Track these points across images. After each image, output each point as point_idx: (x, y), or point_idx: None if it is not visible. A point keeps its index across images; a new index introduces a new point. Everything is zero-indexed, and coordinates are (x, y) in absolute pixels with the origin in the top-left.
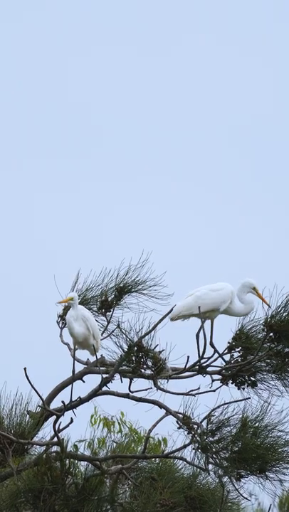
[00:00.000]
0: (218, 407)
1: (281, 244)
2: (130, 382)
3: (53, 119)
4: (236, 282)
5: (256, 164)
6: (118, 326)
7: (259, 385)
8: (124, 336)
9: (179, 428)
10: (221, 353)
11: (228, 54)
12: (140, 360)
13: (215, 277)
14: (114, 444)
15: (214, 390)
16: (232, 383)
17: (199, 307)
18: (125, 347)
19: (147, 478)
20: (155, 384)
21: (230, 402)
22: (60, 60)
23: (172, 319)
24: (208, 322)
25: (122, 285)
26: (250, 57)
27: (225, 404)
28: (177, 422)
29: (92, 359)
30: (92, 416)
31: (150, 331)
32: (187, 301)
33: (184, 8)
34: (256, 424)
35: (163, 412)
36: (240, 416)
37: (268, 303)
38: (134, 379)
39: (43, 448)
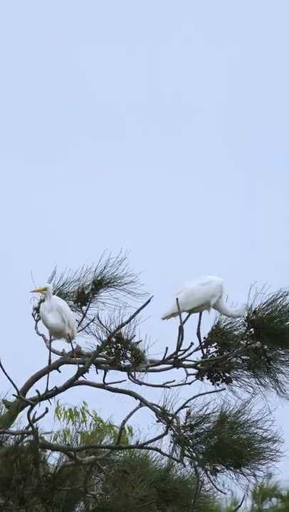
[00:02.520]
0: (194, 397)
1: (269, 233)
2: (105, 373)
3: (50, 114)
4: (225, 273)
5: (243, 153)
6: (97, 317)
7: (234, 381)
8: (104, 328)
9: (158, 421)
10: (199, 346)
11: (222, 49)
12: (119, 351)
13: (204, 268)
14: (79, 435)
15: (190, 383)
16: (207, 378)
17: (180, 308)
18: (105, 339)
19: (120, 471)
20: (131, 376)
21: (204, 393)
22: (62, 49)
23: (164, 318)
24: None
25: (99, 278)
26: (228, 49)
27: (199, 395)
28: (156, 415)
29: (68, 349)
30: (56, 409)
31: (128, 321)
32: (179, 298)
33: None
34: (234, 420)
35: (134, 404)
36: (219, 412)
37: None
38: (109, 371)
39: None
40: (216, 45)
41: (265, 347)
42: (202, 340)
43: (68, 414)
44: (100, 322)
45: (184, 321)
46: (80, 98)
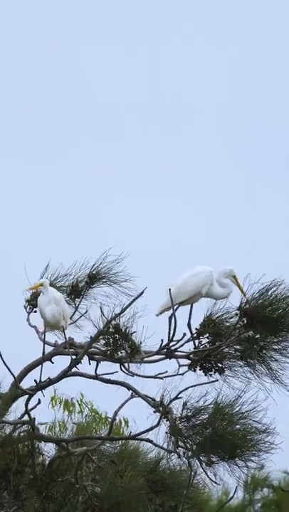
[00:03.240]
0: (186, 389)
1: (269, 233)
2: (97, 364)
3: (50, 114)
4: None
5: (243, 153)
6: (86, 311)
7: (227, 371)
8: (98, 320)
9: (155, 412)
10: (188, 338)
11: (222, 49)
12: (117, 342)
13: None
14: (75, 426)
15: (182, 374)
16: (200, 369)
17: (173, 301)
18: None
19: (108, 462)
20: (124, 367)
21: (197, 385)
22: (62, 49)
23: (158, 314)
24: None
25: (94, 272)
26: (229, 49)
27: (192, 386)
28: (153, 406)
29: (61, 341)
30: (52, 398)
31: (121, 312)
32: (171, 293)
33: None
34: (228, 411)
35: (127, 394)
36: (214, 403)
37: (245, 293)
38: (101, 362)
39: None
40: (216, 45)
41: (258, 336)
42: (194, 331)
43: (64, 404)
44: (102, 311)
45: (175, 311)
46: (80, 98)
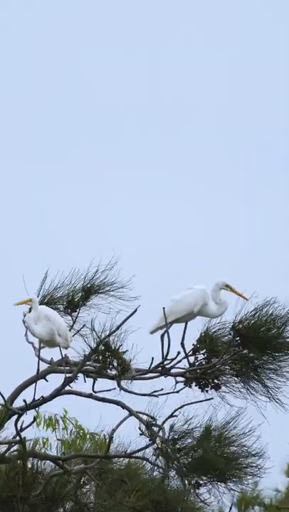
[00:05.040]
0: (181, 406)
1: (269, 233)
2: (94, 382)
3: (50, 114)
4: (225, 273)
5: (243, 153)
6: (84, 325)
7: (223, 387)
8: (95, 335)
9: (141, 434)
10: (185, 356)
11: (222, 49)
12: (106, 360)
13: (203, 268)
14: (59, 442)
15: (178, 392)
16: (195, 385)
17: (166, 319)
18: (94, 346)
19: (114, 480)
20: (119, 384)
21: (192, 403)
22: (62, 49)
23: (152, 332)
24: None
25: (89, 285)
26: (229, 49)
27: (187, 404)
28: (139, 428)
29: (57, 358)
30: (36, 417)
31: (115, 330)
32: (162, 313)
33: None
34: (219, 434)
35: (120, 412)
36: (204, 425)
37: (245, 297)
38: (98, 379)
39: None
40: (216, 45)
41: (252, 355)
42: (190, 347)
43: (48, 422)
44: (92, 328)
45: (168, 330)
46: (79, 98)
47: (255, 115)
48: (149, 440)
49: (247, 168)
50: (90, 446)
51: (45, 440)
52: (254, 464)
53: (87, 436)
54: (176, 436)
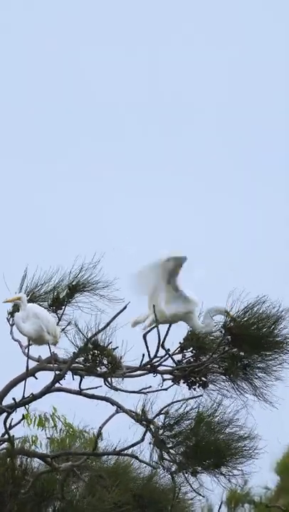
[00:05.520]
0: (171, 403)
1: (269, 233)
2: (81, 379)
3: (50, 114)
4: (225, 273)
5: (243, 153)
6: (70, 323)
7: (210, 385)
8: (81, 334)
9: (137, 421)
10: (172, 352)
11: (222, 49)
12: (96, 358)
13: (203, 268)
14: (49, 441)
15: (166, 389)
16: (183, 383)
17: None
18: (81, 345)
19: (96, 476)
20: (108, 382)
21: (182, 400)
22: (62, 49)
23: (133, 326)
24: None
25: (74, 283)
26: (229, 48)
27: (177, 401)
28: (134, 418)
29: (45, 356)
30: (26, 415)
31: (104, 328)
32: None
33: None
34: (211, 419)
35: (109, 409)
36: (197, 411)
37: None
38: (86, 377)
39: None
40: (216, 45)
41: (242, 353)
42: (179, 344)
43: (38, 420)
44: (77, 327)
45: (149, 331)
46: (79, 98)
47: (255, 115)
48: (144, 431)
49: (247, 168)
50: (80, 445)
51: (34, 438)
52: (247, 447)
53: (77, 435)
54: (171, 422)
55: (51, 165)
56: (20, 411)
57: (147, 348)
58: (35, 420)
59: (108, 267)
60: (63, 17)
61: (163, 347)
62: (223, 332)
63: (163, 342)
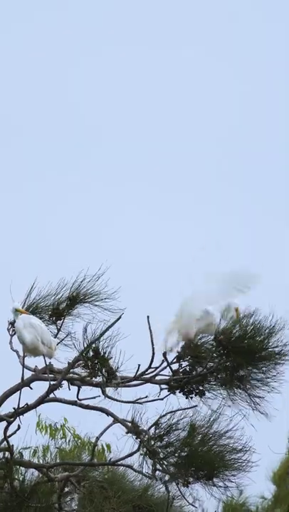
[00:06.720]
0: (166, 414)
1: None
2: (78, 389)
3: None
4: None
5: (241, 168)
6: (68, 334)
7: (207, 393)
8: (86, 340)
9: (127, 433)
10: (170, 362)
11: (221, 71)
12: (95, 366)
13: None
14: (57, 450)
15: (162, 399)
16: (180, 392)
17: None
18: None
19: (97, 487)
20: (103, 392)
21: (177, 410)
22: (50, 68)
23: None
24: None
25: (74, 294)
26: (238, 73)
27: (172, 412)
28: (126, 427)
29: (41, 366)
30: (38, 423)
31: (99, 337)
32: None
33: (176, 22)
34: (205, 431)
35: (110, 419)
36: (189, 421)
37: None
38: (83, 387)
39: None
40: (217, 53)
41: (236, 365)
42: (176, 353)
43: (49, 429)
44: (85, 333)
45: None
46: (77, 110)
47: (257, 136)
48: (136, 438)
49: (245, 183)
50: (88, 456)
51: (45, 448)
52: (241, 460)
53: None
54: (162, 432)
55: (56, 179)
56: (16, 421)
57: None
58: (45, 429)
59: (111, 278)
60: (63, 16)
61: (165, 356)
62: (214, 344)
63: (165, 352)
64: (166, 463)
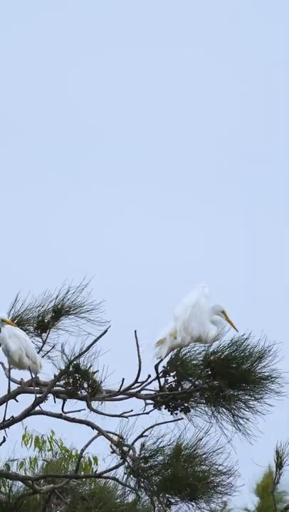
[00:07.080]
0: (151, 427)
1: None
2: (63, 402)
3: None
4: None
5: (242, 169)
6: (54, 346)
7: (192, 410)
8: (65, 357)
9: (112, 452)
10: (154, 377)
11: (221, 71)
12: (77, 382)
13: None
14: (45, 463)
15: (148, 413)
16: (165, 408)
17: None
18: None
19: (79, 499)
20: (89, 405)
21: (162, 423)
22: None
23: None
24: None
25: (59, 306)
26: (240, 74)
27: (157, 424)
28: (111, 446)
29: (27, 378)
30: (23, 436)
31: (85, 351)
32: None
33: (175, 23)
34: (190, 453)
35: (96, 432)
36: (175, 444)
37: (235, 328)
38: (68, 400)
39: None
40: (217, 55)
41: (222, 384)
42: (162, 368)
43: (35, 442)
44: (62, 351)
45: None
46: (79, 114)
47: (257, 137)
48: (120, 458)
49: (245, 183)
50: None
51: (32, 460)
52: (224, 483)
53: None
54: (147, 455)
55: (56, 179)
56: (1, 434)
57: (158, 374)
58: (31, 441)
59: (95, 290)
60: (63, 15)
61: (156, 369)
62: (203, 364)
63: (157, 365)
64: (148, 482)
